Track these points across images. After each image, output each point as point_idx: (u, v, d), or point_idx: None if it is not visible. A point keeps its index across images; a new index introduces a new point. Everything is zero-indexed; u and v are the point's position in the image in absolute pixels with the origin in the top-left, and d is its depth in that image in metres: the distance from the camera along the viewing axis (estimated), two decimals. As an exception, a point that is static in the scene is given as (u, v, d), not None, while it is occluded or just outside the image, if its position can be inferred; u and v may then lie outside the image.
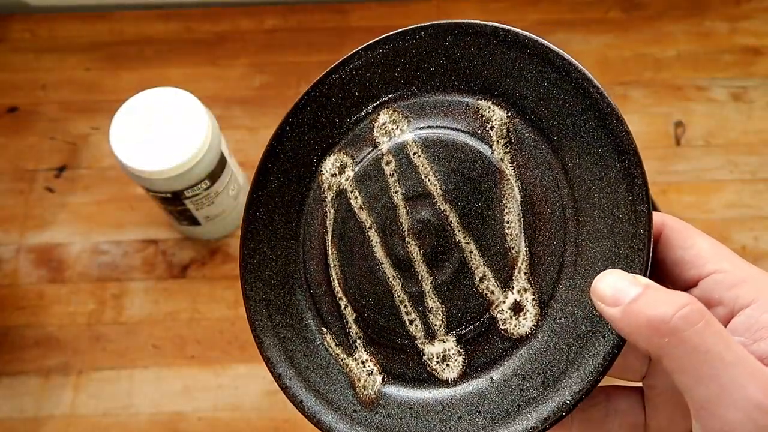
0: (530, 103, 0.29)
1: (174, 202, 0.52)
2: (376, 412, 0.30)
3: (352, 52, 0.32)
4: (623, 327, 0.23)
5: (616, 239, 0.26)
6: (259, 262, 0.33)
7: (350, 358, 0.31)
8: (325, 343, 0.32)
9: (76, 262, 0.59)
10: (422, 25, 0.32)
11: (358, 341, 0.31)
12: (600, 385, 0.28)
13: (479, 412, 0.28)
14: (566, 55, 0.28)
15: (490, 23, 0.30)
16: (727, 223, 0.59)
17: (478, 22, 0.30)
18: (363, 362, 0.31)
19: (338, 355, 0.31)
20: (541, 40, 0.29)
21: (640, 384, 0.29)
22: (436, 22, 0.31)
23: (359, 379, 0.31)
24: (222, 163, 0.52)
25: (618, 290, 0.24)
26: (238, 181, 0.57)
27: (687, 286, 0.27)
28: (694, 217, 0.59)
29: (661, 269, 0.28)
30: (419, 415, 0.29)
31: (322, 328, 0.32)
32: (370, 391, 0.30)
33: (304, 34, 0.68)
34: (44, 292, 0.58)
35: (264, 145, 0.33)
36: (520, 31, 0.29)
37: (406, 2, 0.69)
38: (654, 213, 0.27)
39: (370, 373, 0.30)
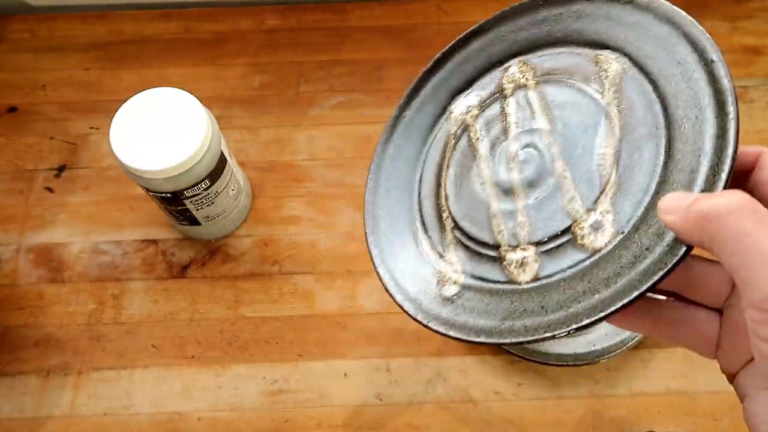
0: (645, 55, 0.33)
1: (174, 202, 0.52)
2: (454, 305, 0.34)
3: (495, 15, 0.38)
4: (680, 226, 0.26)
5: (700, 170, 0.29)
6: (387, 174, 0.39)
7: (442, 260, 0.36)
8: (424, 244, 0.37)
9: (75, 262, 0.59)
10: None
11: (451, 246, 0.36)
12: (682, 299, 0.30)
13: (542, 307, 0.31)
14: (683, 13, 0.32)
15: None
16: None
17: None
18: (451, 263, 0.36)
19: (431, 256, 0.36)
20: (665, 3, 0.32)
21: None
22: None
23: (445, 276, 0.35)
24: (222, 163, 0.52)
25: (678, 200, 0.26)
26: (238, 181, 0.57)
27: None
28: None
29: (756, 192, 0.29)
30: (490, 311, 0.33)
31: (424, 233, 0.37)
32: (452, 286, 0.35)
33: (304, 34, 0.68)
34: (44, 292, 0.58)
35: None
36: None
37: (406, 2, 0.69)
38: (751, 145, 0.29)
39: (455, 271, 0.35)
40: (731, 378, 0.29)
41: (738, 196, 0.24)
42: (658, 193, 0.30)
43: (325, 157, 0.63)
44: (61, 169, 0.63)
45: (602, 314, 0.28)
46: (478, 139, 0.37)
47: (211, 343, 0.56)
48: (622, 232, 0.30)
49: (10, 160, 0.63)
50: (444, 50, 0.39)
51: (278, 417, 0.53)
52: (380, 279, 0.36)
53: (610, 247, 0.30)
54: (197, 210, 0.54)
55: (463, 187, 0.36)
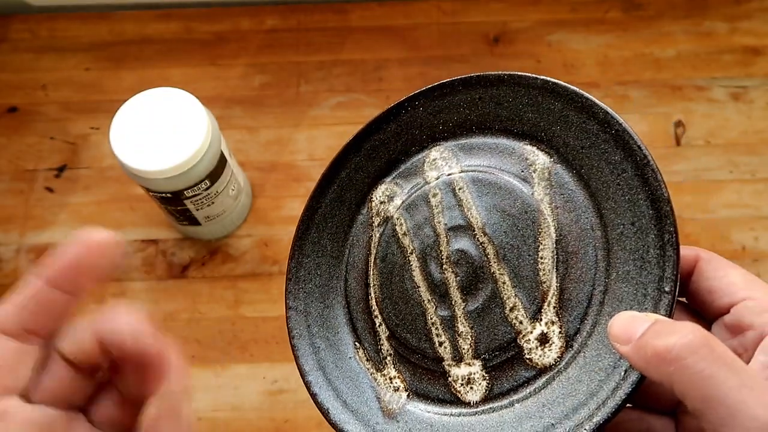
0: (572, 151, 0.31)
1: (174, 202, 0.52)
2: (398, 427, 0.31)
3: (411, 96, 0.35)
4: (636, 361, 0.24)
5: (644, 281, 0.28)
6: (304, 276, 0.35)
7: (379, 373, 0.33)
8: (357, 356, 0.33)
9: (76, 262, 0.59)
10: (476, 75, 0.34)
11: (389, 358, 0.33)
12: (635, 406, 0.29)
13: None
14: (609, 109, 0.30)
15: (541, 77, 0.32)
16: (727, 223, 0.59)
17: (529, 75, 0.32)
18: (390, 378, 0.32)
19: (368, 369, 0.33)
20: (586, 94, 0.31)
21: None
22: (490, 73, 0.33)
23: (385, 394, 0.32)
24: (222, 163, 0.52)
25: (629, 328, 0.25)
26: (238, 181, 0.57)
27: (720, 313, 0.28)
28: (694, 217, 0.59)
29: (695, 298, 0.29)
30: None
31: (356, 343, 0.34)
32: (394, 406, 0.32)
33: (304, 34, 0.68)
34: (44, 292, 0.58)
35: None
36: (568, 85, 0.31)
37: (406, 2, 0.69)
38: (687, 247, 0.28)
39: (396, 389, 0.32)
40: None
41: (694, 334, 0.23)
42: (603, 304, 0.28)
43: (325, 157, 0.62)
44: (61, 169, 0.63)
45: None
46: (404, 234, 0.33)
47: (211, 343, 0.56)
48: (571, 347, 0.29)
49: (11, 160, 0.64)
50: (357, 134, 0.35)
51: (278, 417, 0.53)
52: (318, 403, 0.33)
53: (561, 364, 0.29)
54: (197, 210, 0.54)
55: (393, 289, 0.33)
